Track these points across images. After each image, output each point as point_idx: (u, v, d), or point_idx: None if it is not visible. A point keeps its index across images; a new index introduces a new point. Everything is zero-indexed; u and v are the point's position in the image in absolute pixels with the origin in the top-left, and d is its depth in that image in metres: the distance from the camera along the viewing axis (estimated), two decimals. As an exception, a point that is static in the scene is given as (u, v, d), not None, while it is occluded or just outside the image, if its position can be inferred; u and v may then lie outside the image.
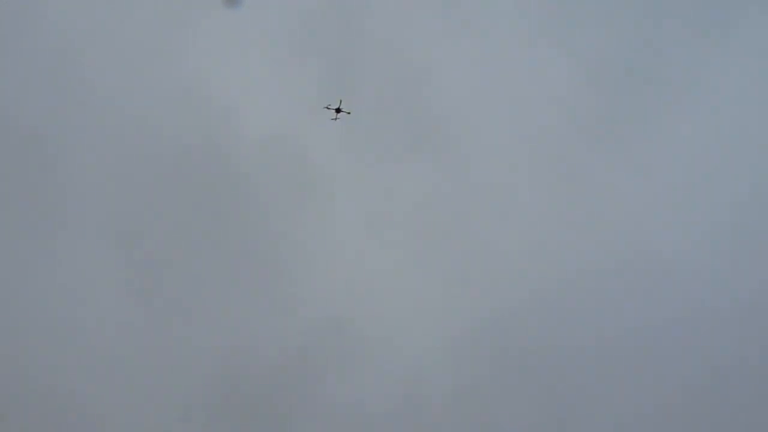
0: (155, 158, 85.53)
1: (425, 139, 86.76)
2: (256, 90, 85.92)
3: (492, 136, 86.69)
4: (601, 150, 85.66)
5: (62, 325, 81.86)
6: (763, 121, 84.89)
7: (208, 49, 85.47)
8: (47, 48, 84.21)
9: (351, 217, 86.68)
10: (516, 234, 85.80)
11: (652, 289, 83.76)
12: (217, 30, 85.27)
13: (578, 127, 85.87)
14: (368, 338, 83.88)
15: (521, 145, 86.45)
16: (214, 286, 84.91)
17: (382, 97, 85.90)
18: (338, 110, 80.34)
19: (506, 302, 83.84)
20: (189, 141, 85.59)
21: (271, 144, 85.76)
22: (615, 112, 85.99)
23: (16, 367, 79.84)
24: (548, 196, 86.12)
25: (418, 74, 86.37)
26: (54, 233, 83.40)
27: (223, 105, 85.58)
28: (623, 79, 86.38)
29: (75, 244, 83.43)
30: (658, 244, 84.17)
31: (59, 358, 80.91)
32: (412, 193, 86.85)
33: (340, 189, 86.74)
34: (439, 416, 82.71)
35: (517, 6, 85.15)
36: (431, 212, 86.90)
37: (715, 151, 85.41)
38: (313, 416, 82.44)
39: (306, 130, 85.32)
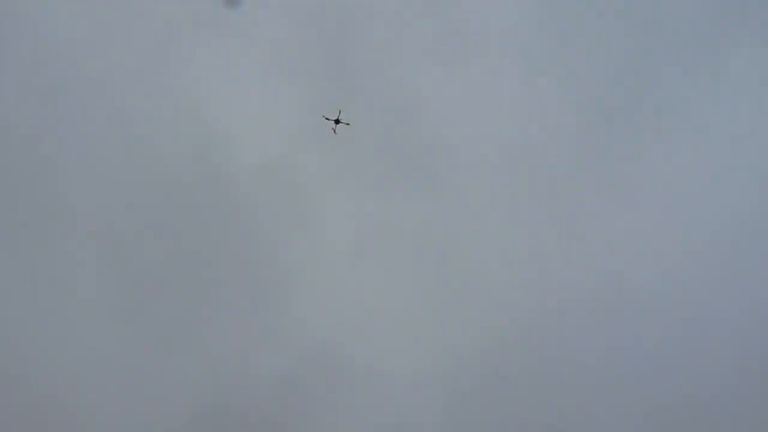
0: (146, 182, 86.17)
1: (416, 167, 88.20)
2: (251, 115, 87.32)
3: (481, 166, 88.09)
4: (592, 180, 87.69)
5: (47, 345, 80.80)
6: (746, 154, 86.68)
7: (206, 70, 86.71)
8: (45, 64, 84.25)
9: (342, 244, 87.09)
10: (504, 262, 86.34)
11: (639, 315, 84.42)
12: (216, 51, 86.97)
13: (569, 156, 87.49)
14: (358, 365, 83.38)
15: (511, 174, 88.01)
16: (203, 312, 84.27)
17: (375, 125, 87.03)
18: (337, 121, 79.88)
19: (495, 329, 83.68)
20: (182, 165, 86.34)
21: (264, 171, 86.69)
22: (606, 144, 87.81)
23: None
24: (537, 225, 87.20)
25: (411, 103, 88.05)
26: (45, 252, 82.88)
27: (220, 131, 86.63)
28: (612, 112, 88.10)
29: (65, 263, 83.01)
30: (643, 272, 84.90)
31: (43, 377, 79.30)
32: (402, 220, 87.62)
33: (332, 216, 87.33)
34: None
35: (509, 37, 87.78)
36: (421, 240, 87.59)
37: (701, 178, 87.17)
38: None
39: (298, 158, 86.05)
